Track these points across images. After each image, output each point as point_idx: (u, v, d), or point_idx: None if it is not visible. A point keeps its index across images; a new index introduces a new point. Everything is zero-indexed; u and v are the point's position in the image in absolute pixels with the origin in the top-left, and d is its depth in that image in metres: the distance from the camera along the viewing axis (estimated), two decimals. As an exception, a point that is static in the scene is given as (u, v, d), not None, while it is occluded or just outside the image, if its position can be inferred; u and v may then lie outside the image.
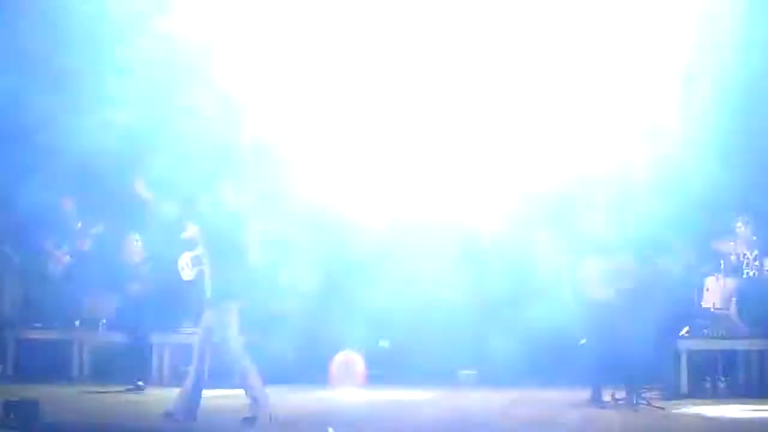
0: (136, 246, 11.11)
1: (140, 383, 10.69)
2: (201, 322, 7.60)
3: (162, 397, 10.26)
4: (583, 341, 11.26)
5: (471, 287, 13.73)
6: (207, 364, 7.62)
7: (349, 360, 11.58)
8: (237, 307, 7.54)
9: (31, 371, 12.96)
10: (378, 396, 10.58)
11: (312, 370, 13.53)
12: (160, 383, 11.45)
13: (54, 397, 9.41)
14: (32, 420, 5.05)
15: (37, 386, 10.86)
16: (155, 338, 11.76)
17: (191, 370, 7.64)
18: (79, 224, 13.00)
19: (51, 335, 12.75)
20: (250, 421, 7.29)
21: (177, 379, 11.78)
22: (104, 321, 12.45)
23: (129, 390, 10.49)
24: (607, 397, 9.25)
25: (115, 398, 9.91)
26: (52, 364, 13.48)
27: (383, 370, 13.18)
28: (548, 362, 12.99)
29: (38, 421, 5.10)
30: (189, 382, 7.57)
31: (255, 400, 7.42)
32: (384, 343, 13.61)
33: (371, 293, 14.05)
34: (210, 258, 7.51)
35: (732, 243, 11.00)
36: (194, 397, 7.52)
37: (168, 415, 7.43)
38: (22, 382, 11.42)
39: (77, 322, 12.56)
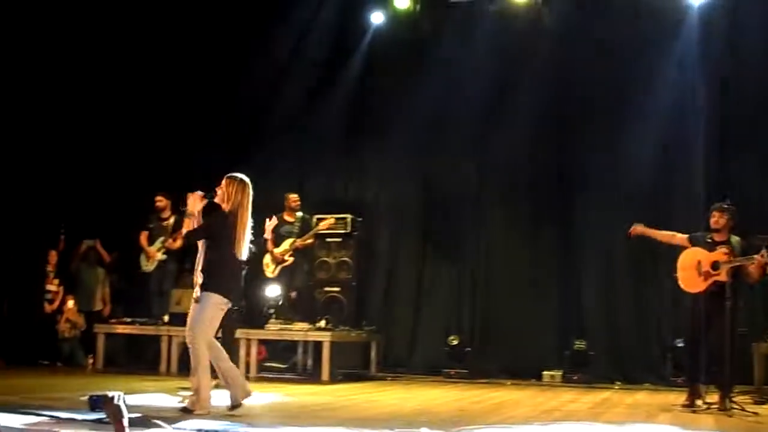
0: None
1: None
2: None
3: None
4: (680, 344, 11.19)
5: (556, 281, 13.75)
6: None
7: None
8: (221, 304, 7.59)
9: (120, 365, 13.28)
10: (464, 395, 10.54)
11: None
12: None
13: (147, 390, 9.61)
14: (119, 413, 5.06)
15: (127, 379, 11.14)
16: (242, 333, 11.79)
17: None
18: (172, 220, 13.18)
19: (140, 330, 12.96)
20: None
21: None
22: (192, 316, 12.64)
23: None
24: (699, 401, 9.11)
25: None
26: (141, 358, 13.81)
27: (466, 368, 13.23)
28: (637, 361, 12.96)
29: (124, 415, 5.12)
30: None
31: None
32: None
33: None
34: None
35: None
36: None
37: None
38: (112, 376, 11.64)
39: (165, 317, 12.76)
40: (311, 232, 13.15)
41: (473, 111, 14.19)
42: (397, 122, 14.68)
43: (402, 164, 14.87)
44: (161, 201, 13.31)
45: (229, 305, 7.71)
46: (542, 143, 13.95)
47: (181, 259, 13.80)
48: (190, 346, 7.47)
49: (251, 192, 7.72)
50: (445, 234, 14.44)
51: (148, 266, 13.31)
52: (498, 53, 14.09)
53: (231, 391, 7.62)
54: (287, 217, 13.29)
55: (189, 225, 7.67)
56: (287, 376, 12.62)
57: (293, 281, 13.26)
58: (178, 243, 13.09)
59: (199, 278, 7.52)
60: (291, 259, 13.03)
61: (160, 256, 13.19)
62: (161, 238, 13.22)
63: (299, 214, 13.34)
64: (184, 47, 14.72)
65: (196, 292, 7.53)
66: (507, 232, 14.15)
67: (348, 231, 13.81)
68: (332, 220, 13.39)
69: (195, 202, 7.68)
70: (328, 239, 13.77)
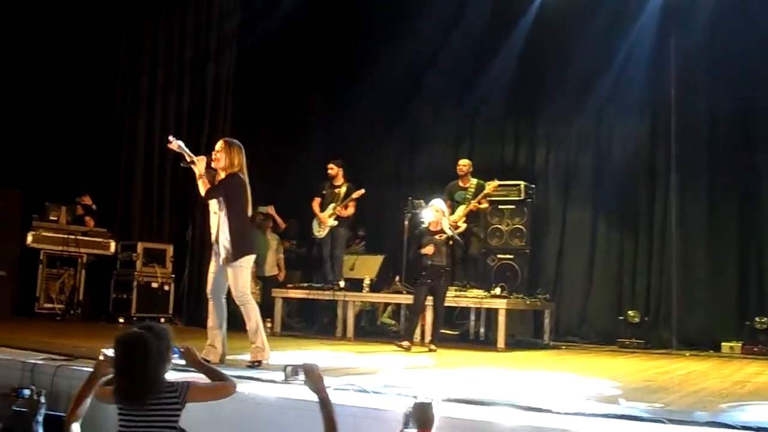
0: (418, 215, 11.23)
1: (404, 343, 10.81)
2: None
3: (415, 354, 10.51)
4: None
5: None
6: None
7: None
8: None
9: (295, 329, 13.56)
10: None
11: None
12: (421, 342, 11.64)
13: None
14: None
15: (308, 343, 11.37)
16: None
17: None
18: (344, 188, 13.30)
19: (317, 294, 13.19)
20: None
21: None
22: (368, 282, 12.80)
23: (399, 348, 10.64)
24: None
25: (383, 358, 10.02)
26: (314, 323, 14.08)
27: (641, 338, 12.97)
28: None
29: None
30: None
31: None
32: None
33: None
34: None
35: None
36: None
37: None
38: (291, 340, 11.86)
39: (341, 282, 12.94)
40: (479, 196, 13.00)
41: (648, 73, 13.78)
42: (565, 86, 14.48)
43: (572, 129, 14.68)
44: (333, 169, 13.42)
45: None
46: (725, 106, 13.45)
47: (352, 225, 14.03)
48: (242, 306, 7.89)
49: None
50: (618, 201, 14.13)
51: (320, 232, 13.47)
52: (664, 18, 13.59)
53: (216, 350, 7.90)
54: (461, 183, 13.22)
55: (205, 185, 7.91)
56: (460, 342, 12.61)
57: (468, 248, 13.21)
58: (350, 210, 13.25)
59: (227, 243, 7.82)
60: (464, 226, 12.95)
61: (331, 222, 13.31)
62: (332, 205, 13.33)
63: (474, 180, 13.22)
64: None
65: (227, 255, 7.82)
66: (683, 199, 13.69)
67: (521, 198, 13.68)
68: (496, 183, 13.20)
69: (203, 165, 7.95)
70: (501, 206, 13.67)
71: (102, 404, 5.45)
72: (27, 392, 5.52)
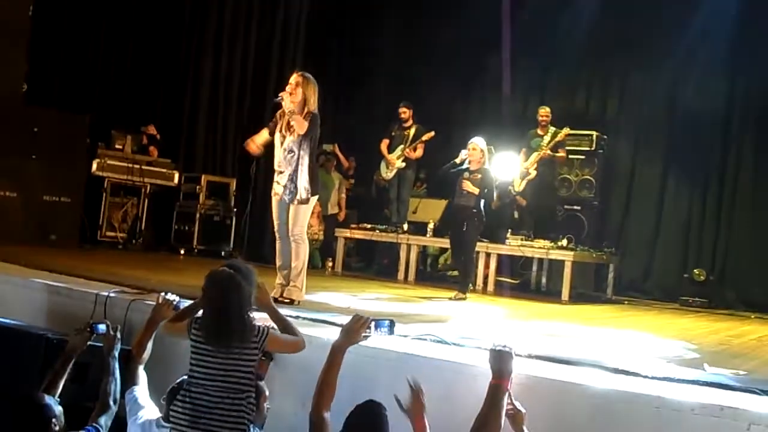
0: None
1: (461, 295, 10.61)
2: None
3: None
4: None
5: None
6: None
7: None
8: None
9: (357, 270, 13.51)
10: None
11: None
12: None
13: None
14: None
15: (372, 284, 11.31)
16: (481, 246, 11.53)
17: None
18: (413, 130, 13.08)
19: (380, 236, 13.06)
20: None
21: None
22: (432, 226, 12.65)
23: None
24: None
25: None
26: (375, 264, 14.02)
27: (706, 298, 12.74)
28: None
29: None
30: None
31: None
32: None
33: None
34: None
35: None
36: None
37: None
38: (354, 280, 11.81)
39: (405, 225, 12.82)
40: (550, 144, 12.64)
41: (726, 29, 13.33)
42: (641, 38, 14.08)
43: (647, 82, 14.32)
44: (405, 111, 13.19)
45: None
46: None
47: (419, 167, 13.87)
48: (295, 243, 7.75)
49: None
50: (690, 158, 13.79)
51: (387, 173, 13.31)
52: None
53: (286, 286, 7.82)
54: (539, 132, 12.88)
55: (299, 124, 7.63)
56: (521, 292, 12.44)
57: (539, 196, 12.97)
58: (418, 152, 13.05)
59: (305, 183, 7.69)
60: (534, 173, 12.68)
61: (399, 164, 13.13)
62: (401, 146, 13.14)
63: (552, 129, 12.87)
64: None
65: (305, 195, 7.71)
66: (756, 159, 13.37)
67: (592, 149, 13.41)
68: (567, 131, 12.88)
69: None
70: (572, 156, 13.37)
71: (171, 343, 5.42)
72: (102, 327, 5.45)
